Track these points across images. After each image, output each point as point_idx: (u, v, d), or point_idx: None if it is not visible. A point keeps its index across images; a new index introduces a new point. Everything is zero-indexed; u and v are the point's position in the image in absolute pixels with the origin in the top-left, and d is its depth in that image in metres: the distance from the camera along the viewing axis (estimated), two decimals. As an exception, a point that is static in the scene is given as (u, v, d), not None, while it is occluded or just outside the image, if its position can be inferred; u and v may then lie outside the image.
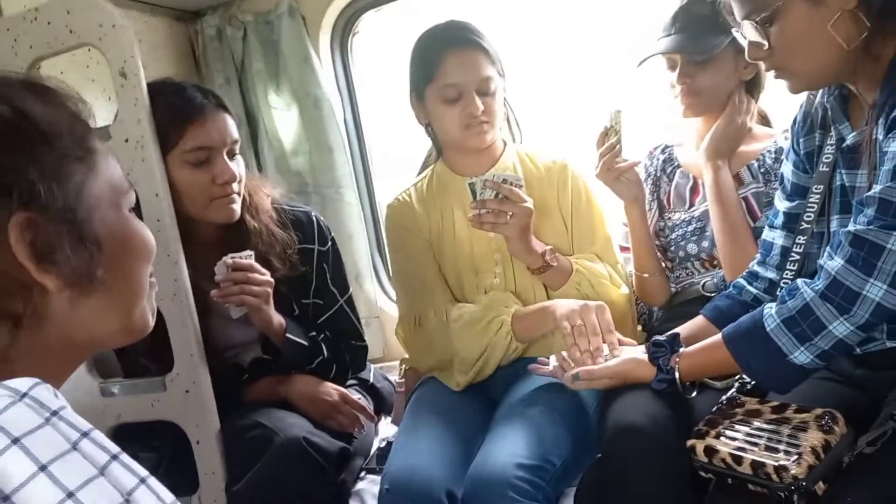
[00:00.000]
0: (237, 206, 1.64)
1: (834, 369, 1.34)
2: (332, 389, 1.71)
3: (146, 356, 1.61)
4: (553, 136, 2.04)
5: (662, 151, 1.86)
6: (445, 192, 1.80)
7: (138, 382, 1.59)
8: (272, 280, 1.62)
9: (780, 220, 1.44)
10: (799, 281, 1.19)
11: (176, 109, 1.54)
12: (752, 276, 1.48)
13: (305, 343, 1.69)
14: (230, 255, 1.59)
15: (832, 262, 1.14)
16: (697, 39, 1.65)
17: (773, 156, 1.70)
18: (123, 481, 0.62)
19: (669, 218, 1.78)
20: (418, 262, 1.77)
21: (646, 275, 1.78)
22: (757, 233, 1.66)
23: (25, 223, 0.67)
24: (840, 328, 1.12)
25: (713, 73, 1.68)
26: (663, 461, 1.28)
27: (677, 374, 1.33)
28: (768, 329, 1.18)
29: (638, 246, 1.78)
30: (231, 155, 1.63)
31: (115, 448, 0.64)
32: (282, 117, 2.44)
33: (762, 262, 1.47)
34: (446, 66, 1.66)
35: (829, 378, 1.34)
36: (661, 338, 1.38)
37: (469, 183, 1.60)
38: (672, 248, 1.77)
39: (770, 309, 1.20)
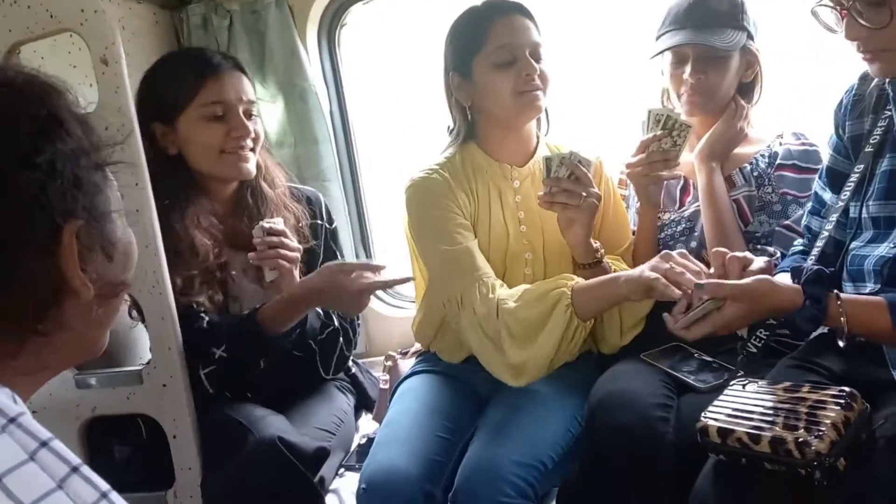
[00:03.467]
0: (251, 165, 1.68)
1: (821, 370, 1.34)
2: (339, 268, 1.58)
3: None
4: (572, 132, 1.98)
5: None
6: (481, 178, 1.69)
7: (115, 374, 1.57)
8: (301, 247, 1.68)
9: (825, 211, 1.44)
10: None
11: (195, 66, 1.62)
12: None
13: (321, 311, 1.71)
14: (266, 220, 1.65)
15: None
16: (719, 34, 1.63)
17: (766, 160, 1.70)
18: (84, 496, 0.60)
19: (659, 218, 1.77)
20: (463, 236, 1.60)
21: None
22: (748, 237, 1.66)
23: (77, 230, 0.66)
24: None
25: (725, 72, 1.67)
26: (649, 462, 1.28)
27: (843, 319, 1.21)
28: None
29: (643, 248, 1.76)
30: (248, 115, 1.67)
31: (75, 459, 0.62)
32: (267, 108, 2.41)
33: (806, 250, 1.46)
34: (497, 30, 1.60)
35: (815, 381, 1.33)
36: (811, 266, 1.29)
37: (545, 157, 1.56)
38: (660, 248, 1.76)
39: None
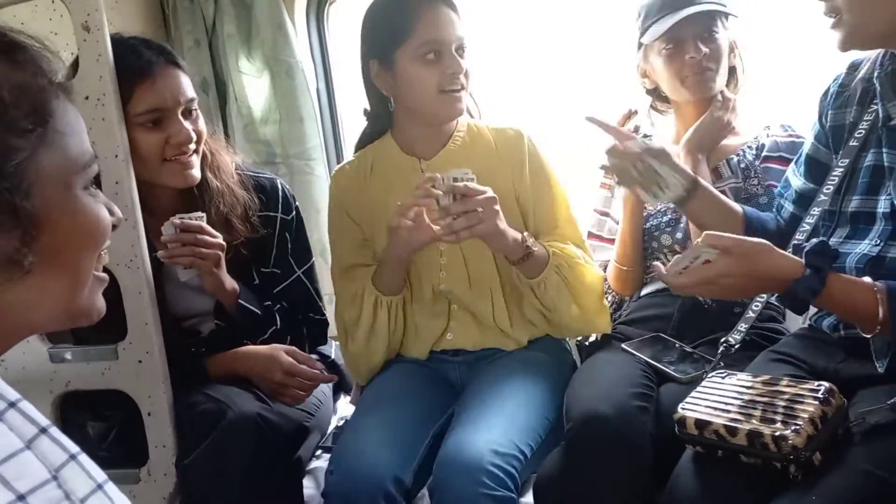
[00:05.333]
0: (196, 171, 1.57)
1: (801, 363, 1.34)
2: (276, 367, 1.61)
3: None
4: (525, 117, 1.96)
5: (641, 136, 1.84)
6: (391, 173, 1.66)
7: (89, 350, 1.54)
8: (223, 243, 1.56)
9: (790, 194, 1.43)
10: None
11: (122, 69, 1.44)
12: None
13: (258, 311, 1.64)
14: (178, 215, 1.53)
15: None
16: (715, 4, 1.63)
17: (753, 152, 1.70)
18: (51, 457, 0.58)
19: (645, 208, 1.76)
20: (353, 256, 1.67)
21: (625, 268, 1.76)
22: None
23: None
24: None
25: (720, 49, 1.67)
26: (627, 451, 1.28)
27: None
28: None
29: (627, 238, 1.75)
30: (187, 114, 1.56)
31: (44, 421, 0.60)
32: (252, 84, 2.37)
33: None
34: (423, 23, 1.53)
35: (795, 375, 1.33)
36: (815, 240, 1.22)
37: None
38: (645, 238, 1.76)
39: None
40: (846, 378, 1.25)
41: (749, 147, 1.71)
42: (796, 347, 1.38)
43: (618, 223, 1.79)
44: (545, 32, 2.41)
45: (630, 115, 1.69)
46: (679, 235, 1.71)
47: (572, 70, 2.39)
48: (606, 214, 1.87)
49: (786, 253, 1.19)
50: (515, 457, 1.39)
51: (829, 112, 1.38)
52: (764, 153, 1.68)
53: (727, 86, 1.72)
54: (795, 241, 1.32)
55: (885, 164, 1.26)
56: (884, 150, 1.26)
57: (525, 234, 1.54)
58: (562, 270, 1.56)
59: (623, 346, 1.58)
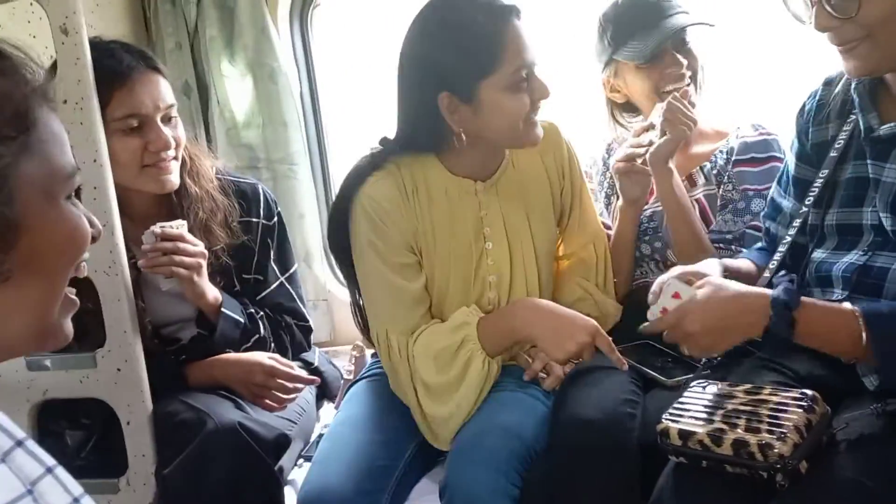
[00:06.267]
0: (174, 178, 1.56)
1: (787, 371, 1.34)
2: (257, 370, 1.60)
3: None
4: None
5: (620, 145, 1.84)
6: (437, 195, 1.49)
7: (67, 357, 1.51)
8: (205, 252, 1.54)
9: (783, 219, 1.41)
10: None
11: (101, 73, 1.40)
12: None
13: (241, 319, 1.62)
14: (159, 223, 1.51)
15: None
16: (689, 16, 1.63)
17: (724, 156, 1.69)
18: (27, 470, 0.57)
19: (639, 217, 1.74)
20: (406, 271, 1.48)
21: (615, 279, 1.74)
22: (714, 238, 1.65)
23: None
24: None
25: (696, 60, 1.67)
26: (612, 457, 1.27)
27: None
28: None
29: (621, 248, 1.71)
30: (166, 120, 1.54)
31: (20, 433, 0.59)
32: (235, 88, 2.35)
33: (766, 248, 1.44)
34: (512, 45, 1.35)
35: (782, 382, 1.33)
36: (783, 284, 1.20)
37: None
38: None
39: None
40: (832, 385, 1.25)
41: (721, 152, 1.70)
42: (782, 354, 1.38)
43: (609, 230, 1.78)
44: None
45: (648, 128, 1.66)
46: (658, 245, 1.70)
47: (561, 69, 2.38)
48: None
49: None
50: (525, 458, 1.36)
51: (811, 130, 1.36)
52: (734, 157, 1.67)
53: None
54: (777, 258, 1.33)
55: (870, 175, 1.25)
56: (868, 161, 1.25)
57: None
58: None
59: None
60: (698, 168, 1.71)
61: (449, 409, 1.42)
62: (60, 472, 0.61)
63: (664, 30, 1.61)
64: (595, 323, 1.38)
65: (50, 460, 0.60)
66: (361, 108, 2.58)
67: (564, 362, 1.44)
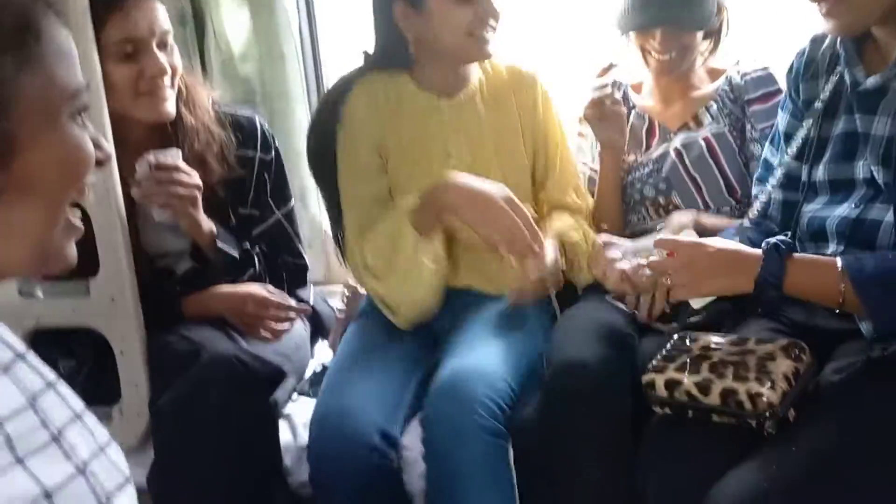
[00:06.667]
0: (170, 105, 1.52)
1: (782, 318, 1.34)
2: (250, 300, 1.60)
3: None
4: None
5: (618, 89, 1.78)
6: (406, 110, 1.62)
7: (60, 285, 1.50)
8: (200, 183, 1.51)
9: (779, 179, 1.38)
10: None
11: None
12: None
13: (236, 254, 1.60)
14: (153, 152, 1.48)
15: None
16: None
17: (730, 94, 1.68)
18: (29, 384, 0.57)
19: (623, 160, 1.74)
20: (371, 180, 1.61)
21: (604, 225, 1.74)
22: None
23: None
24: None
25: (691, 38, 1.67)
26: (605, 400, 1.28)
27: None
28: None
29: (605, 195, 1.72)
30: (162, 46, 1.50)
31: (21, 347, 0.58)
32: (232, 18, 2.29)
33: (762, 217, 1.43)
34: None
35: (776, 329, 1.33)
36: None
37: None
38: (627, 191, 1.73)
39: None
40: (826, 333, 1.25)
41: (724, 89, 1.69)
42: (778, 310, 1.38)
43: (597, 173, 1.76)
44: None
45: (609, 68, 1.66)
46: (662, 186, 1.69)
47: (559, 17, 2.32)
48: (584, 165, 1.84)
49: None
50: (507, 392, 1.39)
51: (801, 86, 1.36)
52: (747, 96, 1.66)
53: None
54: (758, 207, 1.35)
55: (859, 130, 1.24)
56: (856, 115, 1.25)
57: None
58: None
59: (606, 297, 1.56)
60: (703, 108, 1.69)
61: (391, 286, 1.53)
62: (62, 387, 0.60)
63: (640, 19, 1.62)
64: (507, 190, 1.42)
65: (51, 375, 0.60)
66: (361, 44, 2.51)
67: (495, 241, 1.42)
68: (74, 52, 0.68)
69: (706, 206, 1.65)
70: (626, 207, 1.75)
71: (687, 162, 1.66)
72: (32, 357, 0.58)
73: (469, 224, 1.43)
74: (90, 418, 0.61)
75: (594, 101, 1.64)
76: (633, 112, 1.77)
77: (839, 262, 1.11)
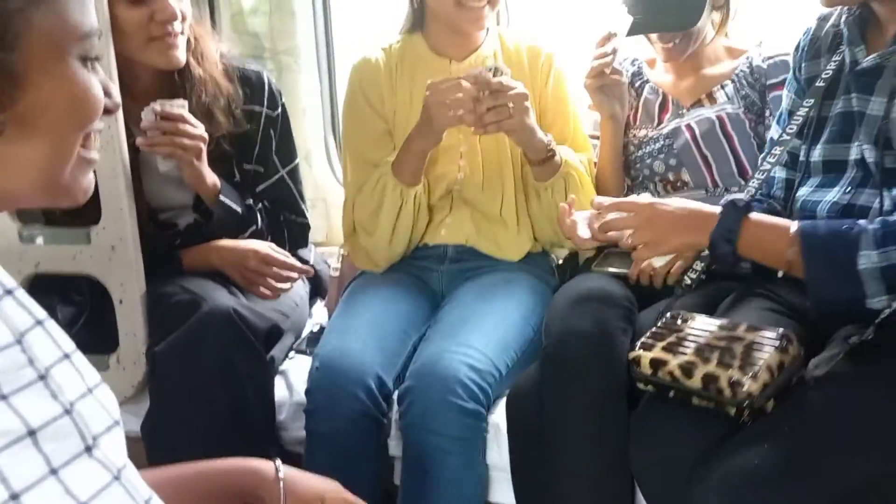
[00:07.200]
0: (180, 53, 1.50)
1: (780, 300, 1.33)
2: (251, 255, 1.60)
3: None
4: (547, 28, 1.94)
5: (632, 64, 1.80)
6: (419, 72, 1.65)
7: (60, 232, 1.50)
8: (206, 135, 1.50)
9: (777, 157, 1.37)
10: None
11: None
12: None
13: (239, 209, 1.60)
14: (159, 101, 1.47)
15: None
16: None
17: (750, 76, 1.65)
18: (16, 321, 0.55)
19: (634, 135, 1.73)
20: (376, 147, 1.65)
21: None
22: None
23: None
24: None
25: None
26: (604, 370, 1.28)
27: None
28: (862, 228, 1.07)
29: (605, 166, 1.72)
30: None
31: (11, 283, 0.56)
32: (242, -30, 2.26)
33: (767, 197, 1.41)
34: None
35: (773, 309, 1.33)
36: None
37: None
38: (637, 166, 1.72)
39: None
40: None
41: (742, 71, 1.67)
42: (776, 283, 1.37)
43: None
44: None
45: (609, 37, 1.64)
46: (673, 162, 1.67)
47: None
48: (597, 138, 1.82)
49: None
50: (490, 373, 1.40)
51: (803, 65, 1.35)
52: (768, 82, 1.64)
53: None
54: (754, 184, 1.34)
55: (855, 109, 1.23)
56: (853, 95, 1.23)
57: (550, 136, 1.57)
58: (569, 180, 1.59)
59: (608, 269, 1.56)
60: (719, 86, 1.67)
61: (376, 238, 1.62)
62: (51, 325, 0.58)
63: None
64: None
65: (41, 313, 0.58)
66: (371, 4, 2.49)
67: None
68: None
69: (714, 184, 1.64)
70: (634, 182, 1.74)
71: (699, 138, 1.64)
72: (22, 293, 0.56)
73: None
74: (80, 358, 0.60)
75: (594, 70, 1.64)
76: (646, 86, 1.76)
77: (793, 225, 1.11)
